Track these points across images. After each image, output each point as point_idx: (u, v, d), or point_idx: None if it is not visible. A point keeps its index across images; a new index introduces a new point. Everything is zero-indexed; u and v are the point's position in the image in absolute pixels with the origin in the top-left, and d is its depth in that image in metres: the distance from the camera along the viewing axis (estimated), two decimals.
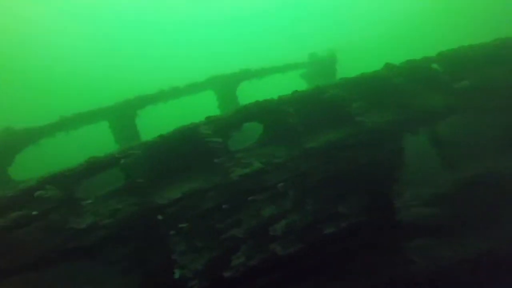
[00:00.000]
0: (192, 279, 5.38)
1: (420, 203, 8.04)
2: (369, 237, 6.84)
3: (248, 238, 5.71)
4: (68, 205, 4.71)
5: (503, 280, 7.62)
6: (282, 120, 6.20)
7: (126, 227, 5.00)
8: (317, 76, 15.41)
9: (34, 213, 4.37)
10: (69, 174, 4.81)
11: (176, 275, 5.26)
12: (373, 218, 7.01)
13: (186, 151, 5.79)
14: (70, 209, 4.69)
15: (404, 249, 7.24)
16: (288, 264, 6.15)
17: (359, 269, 6.63)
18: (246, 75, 13.98)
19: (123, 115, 12.56)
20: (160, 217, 4.95)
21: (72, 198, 4.82)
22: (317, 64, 15.71)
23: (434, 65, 8.24)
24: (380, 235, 7.05)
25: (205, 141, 5.67)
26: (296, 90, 6.79)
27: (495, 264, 8.03)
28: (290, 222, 6.00)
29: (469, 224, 7.98)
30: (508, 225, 8.36)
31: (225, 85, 13.90)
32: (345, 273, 6.57)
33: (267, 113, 6.25)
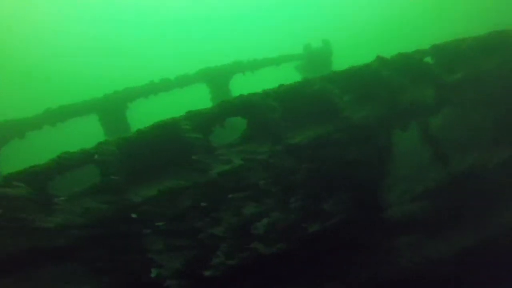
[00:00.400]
0: (170, 278, 5.25)
1: (409, 199, 7.88)
2: (355, 235, 6.70)
3: (229, 236, 5.56)
4: (37, 203, 4.54)
5: (490, 275, 7.54)
6: (266, 115, 5.99)
7: (99, 226, 4.83)
8: (313, 68, 15.12)
9: None
10: (39, 170, 4.63)
11: (153, 274, 5.13)
12: (360, 215, 6.87)
13: (165, 147, 5.60)
14: (40, 207, 4.52)
15: (391, 246, 7.11)
16: (271, 263, 6.02)
17: (345, 267, 6.50)
18: (239, 67, 13.71)
19: (112, 107, 12.34)
20: (134, 215, 4.79)
21: (42, 196, 4.64)
22: (312, 56, 15.42)
23: (427, 58, 8.00)
24: (367, 232, 6.92)
25: (184, 136, 5.48)
26: (282, 84, 6.57)
27: (482, 259, 7.94)
28: (273, 221, 5.84)
29: (458, 219, 7.85)
30: (497, 220, 8.24)
31: (217, 77, 13.64)
32: (331, 271, 6.45)
33: (251, 107, 6.04)
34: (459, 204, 7.88)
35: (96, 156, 4.94)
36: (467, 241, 7.88)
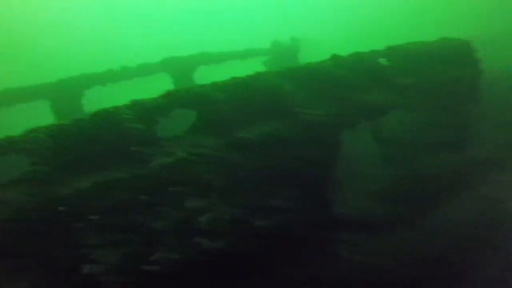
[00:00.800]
0: (105, 274, 5.02)
1: (358, 198, 8.07)
2: (302, 232, 6.76)
3: (170, 230, 5.41)
4: None
5: (437, 274, 7.87)
6: (214, 108, 5.86)
7: (26, 220, 4.52)
8: (279, 64, 15.12)
9: None
10: None
11: (85, 270, 4.88)
12: (308, 212, 6.94)
13: (105, 137, 5.32)
14: None
15: (338, 245, 7.25)
16: (215, 258, 5.94)
17: (290, 264, 6.55)
18: (204, 58, 13.42)
19: (66, 94, 11.69)
20: (62, 208, 4.51)
21: None
22: (279, 52, 15.41)
23: (382, 60, 8.17)
24: (314, 230, 7.00)
25: (125, 126, 5.23)
26: (234, 77, 6.45)
27: (430, 258, 8.29)
28: (217, 215, 5.75)
29: (406, 219, 8.13)
30: (444, 220, 8.64)
31: (181, 68, 13.29)
32: (276, 268, 6.47)
33: (199, 99, 5.88)
34: (407, 204, 8.18)
35: (23, 145, 4.60)
36: (412, 240, 8.21)
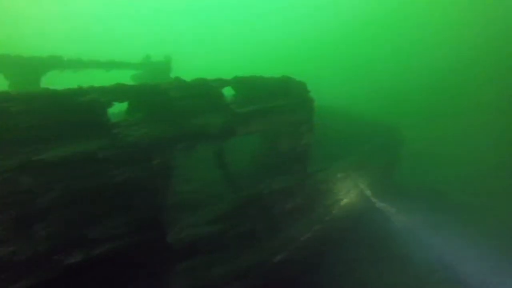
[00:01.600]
0: None
1: (195, 222, 7.96)
2: (127, 267, 6.18)
3: None
4: None
5: None
6: (5, 123, 4.91)
7: None
8: (149, 80, 14.52)
9: None
10: None
11: None
12: (137, 241, 6.41)
13: None
14: None
15: (173, 272, 6.92)
16: None
17: None
18: (54, 63, 11.79)
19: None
20: None
21: None
22: (150, 67, 14.83)
23: (228, 88, 8.52)
24: (145, 260, 6.51)
25: None
26: (48, 88, 5.63)
27: (266, 273, 8.70)
28: (12, 252, 4.72)
29: (244, 241, 8.38)
30: (277, 240, 9.27)
31: (22, 70, 11.33)
32: None
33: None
34: (247, 227, 8.47)
35: None
36: (253, 261, 8.51)
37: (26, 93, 5.12)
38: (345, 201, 11.79)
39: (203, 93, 7.53)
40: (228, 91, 8.07)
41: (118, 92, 6.16)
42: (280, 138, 9.26)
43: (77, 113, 5.64)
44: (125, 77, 15.14)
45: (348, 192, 11.94)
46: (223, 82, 8.16)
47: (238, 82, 8.54)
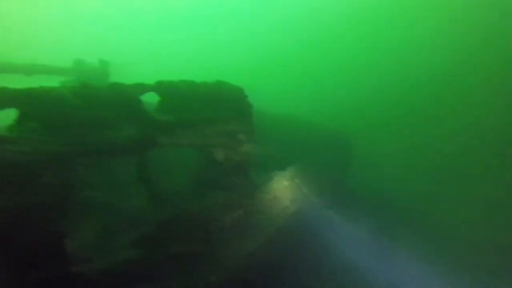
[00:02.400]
0: None
1: (120, 246, 7.01)
2: None
3: None
4: None
5: None
6: None
7: None
8: None
9: None
10: None
11: None
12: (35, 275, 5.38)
13: None
14: None
15: None
16: None
17: None
18: None
19: None
20: None
21: None
22: (82, 73, 13.54)
23: (151, 93, 7.72)
24: None
25: None
26: None
27: None
28: None
29: (173, 265, 7.53)
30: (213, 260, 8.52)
31: None
32: None
33: None
34: (176, 249, 7.63)
35: None
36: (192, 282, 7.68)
37: None
38: (291, 210, 11.33)
39: (117, 100, 6.68)
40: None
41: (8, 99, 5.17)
42: (216, 149, 8.56)
43: None
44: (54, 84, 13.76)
45: (294, 201, 11.50)
46: (143, 88, 7.35)
47: (162, 88, 7.77)
